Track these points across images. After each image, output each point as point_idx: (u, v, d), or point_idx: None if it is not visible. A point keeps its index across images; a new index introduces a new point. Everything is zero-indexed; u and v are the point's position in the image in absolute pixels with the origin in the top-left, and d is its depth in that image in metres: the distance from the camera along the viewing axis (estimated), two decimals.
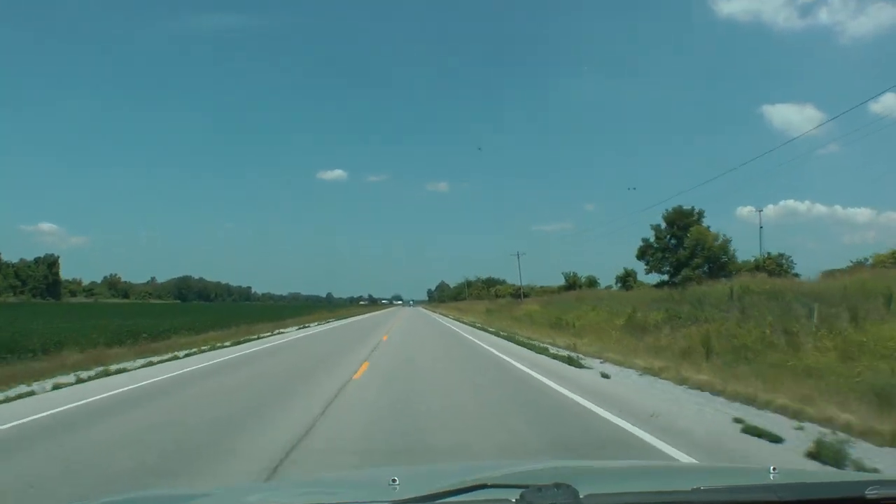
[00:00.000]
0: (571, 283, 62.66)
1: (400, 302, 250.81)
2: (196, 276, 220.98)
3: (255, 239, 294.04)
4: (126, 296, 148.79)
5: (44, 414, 8.48)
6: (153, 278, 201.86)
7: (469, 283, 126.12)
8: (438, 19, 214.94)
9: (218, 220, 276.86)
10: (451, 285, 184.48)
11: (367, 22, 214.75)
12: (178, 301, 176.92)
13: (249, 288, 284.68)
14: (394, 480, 2.03)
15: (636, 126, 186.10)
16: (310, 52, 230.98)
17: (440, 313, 75.42)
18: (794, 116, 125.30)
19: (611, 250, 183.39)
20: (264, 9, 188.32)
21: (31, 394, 10.40)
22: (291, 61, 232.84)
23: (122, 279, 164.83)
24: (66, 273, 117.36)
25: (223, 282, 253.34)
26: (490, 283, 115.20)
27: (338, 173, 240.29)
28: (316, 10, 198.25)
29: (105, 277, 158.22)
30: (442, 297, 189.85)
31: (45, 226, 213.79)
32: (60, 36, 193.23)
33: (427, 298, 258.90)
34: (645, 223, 60.68)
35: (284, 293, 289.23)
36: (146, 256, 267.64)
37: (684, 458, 5.88)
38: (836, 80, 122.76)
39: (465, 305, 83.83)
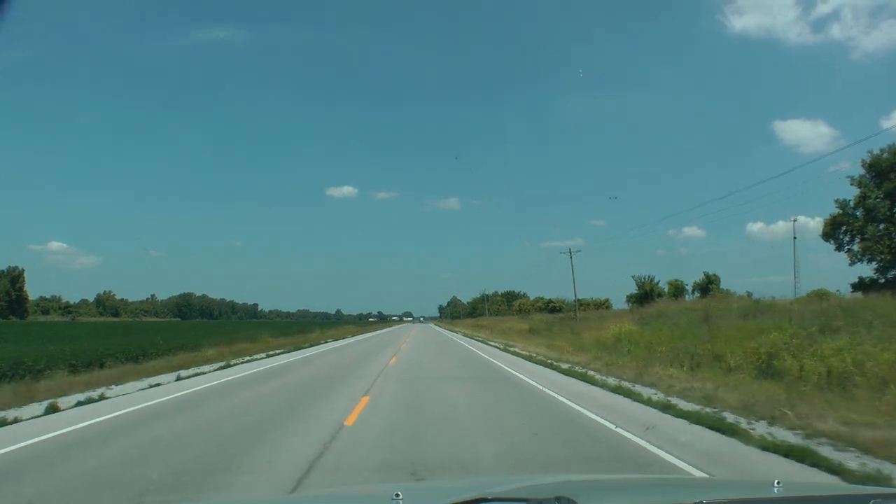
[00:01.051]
0: (646, 292, 49.36)
1: (410, 319, 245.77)
2: (199, 294, 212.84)
3: (263, 256, 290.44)
4: (116, 314, 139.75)
5: None
6: (153, 295, 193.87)
7: (486, 298, 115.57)
8: (450, 37, 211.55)
9: (226, 238, 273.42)
10: (464, 301, 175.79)
11: (379, 38, 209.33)
12: (178, 319, 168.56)
13: (256, 305, 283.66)
14: (397, 495, 2.05)
15: (646, 142, 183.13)
16: (320, 68, 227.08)
17: (461, 333, 61.88)
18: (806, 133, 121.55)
19: (619, 263, 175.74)
20: (275, 25, 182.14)
21: None
22: (302, 77, 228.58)
23: (118, 296, 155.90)
24: (65, 291, 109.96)
25: (228, 299, 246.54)
26: (510, 296, 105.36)
27: (347, 189, 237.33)
28: (328, 27, 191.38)
29: (98, 295, 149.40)
30: (455, 313, 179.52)
31: (55, 244, 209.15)
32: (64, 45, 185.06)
33: (438, 315, 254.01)
34: (651, 238, 49.63)
35: (293, 310, 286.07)
36: (152, 274, 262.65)
37: None
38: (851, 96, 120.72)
39: (490, 323, 71.27)
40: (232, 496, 5.52)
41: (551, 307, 64.58)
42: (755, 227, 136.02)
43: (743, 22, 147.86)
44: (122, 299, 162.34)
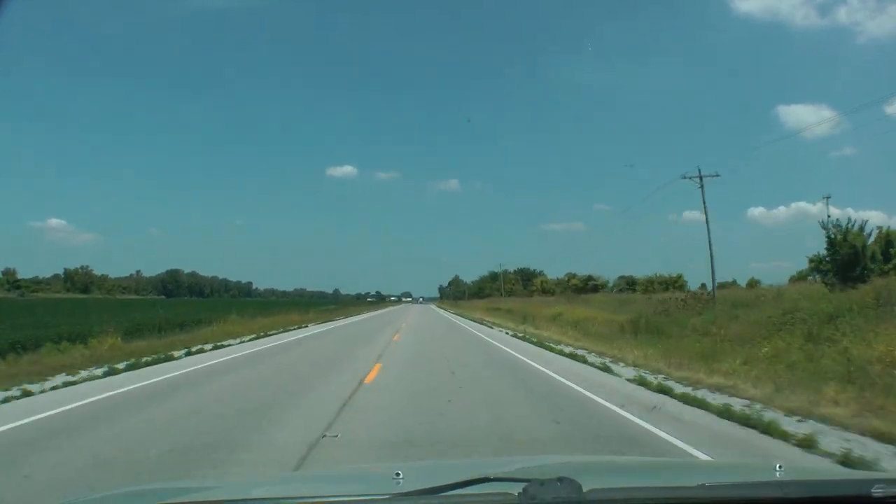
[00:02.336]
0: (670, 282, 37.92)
1: (409, 299, 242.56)
2: (188, 270, 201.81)
3: (261, 234, 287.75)
4: (86, 290, 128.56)
5: None
6: (138, 271, 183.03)
7: (495, 276, 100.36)
8: (451, 17, 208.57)
9: (226, 216, 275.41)
10: (467, 280, 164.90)
11: (380, 18, 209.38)
12: (162, 297, 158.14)
13: (250, 283, 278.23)
14: (398, 474, 2.05)
15: (648, 124, 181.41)
16: (322, 46, 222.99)
17: (473, 319, 45.28)
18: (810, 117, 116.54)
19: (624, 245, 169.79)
20: (277, 4, 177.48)
21: None
22: (303, 56, 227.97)
23: (98, 272, 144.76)
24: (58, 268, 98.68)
25: (220, 276, 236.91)
26: (526, 274, 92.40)
27: (347, 169, 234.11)
28: (328, 6, 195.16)
29: (66, 270, 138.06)
30: (457, 293, 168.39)
31: (54, 221, 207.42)
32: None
33: (438, 296, 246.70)
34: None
35: (290, 289, 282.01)
36: (149, 252, 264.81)
37: None
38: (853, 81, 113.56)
39: (515, 305, 49.30)
40: None
41: (592, 285, 52.93)
42: (756, 211, 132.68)
43: (748, 5, 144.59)
44: (103, 275, 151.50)
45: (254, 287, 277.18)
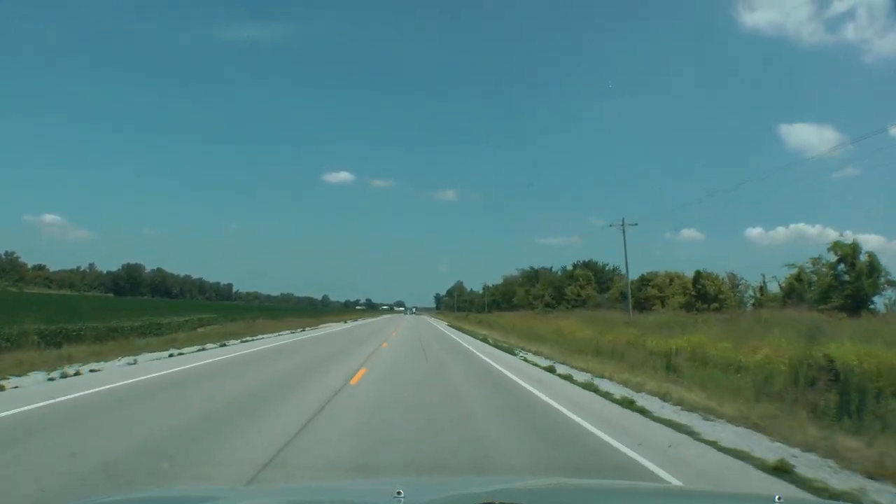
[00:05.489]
0: None
1: (402, 309, 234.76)
2: (152, 267, 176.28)
3: (250, 236, 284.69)
4: None
5: None
6: (91, 265, 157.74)
7: (528, 276, 73.38)
8: (451, 27, 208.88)
9: (217, 217, 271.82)
10: (473, 287, 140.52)
11: (382, 28, 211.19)
12: (111, 294, 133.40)
13: (230, 285, 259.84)
14: (399, 493, 1.99)
15: (647, 142, 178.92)
16: (320, 54, 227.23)
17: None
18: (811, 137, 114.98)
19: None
20: (274, 10, 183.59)
21: None
22: (301, 63, 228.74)
23: (25, 260, 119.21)
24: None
25: (195, 276, 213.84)
26: (599, 273, 63.32)
27: (343, 175, 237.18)
28: (327, 13, 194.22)
29: None
30: (462, 304, 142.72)
31: (49, 217, 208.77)
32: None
33: (435, 306, 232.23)
34: None
35: (275, 293, 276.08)
36: (136, 251, 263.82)
37: None
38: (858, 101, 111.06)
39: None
40: None
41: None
42: (754, 231, 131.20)
43: (754, 18, 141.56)
44: (38, 266, 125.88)
45: (235, 290, 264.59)
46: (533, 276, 73.42)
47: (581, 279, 60.16)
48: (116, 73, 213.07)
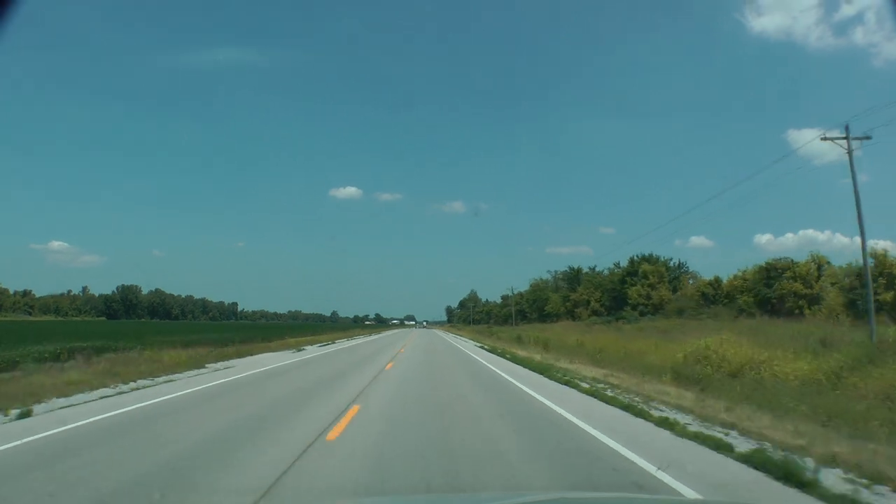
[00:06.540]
0: None
1: (413, 323, 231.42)
2: (151, 288, 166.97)
3: (256, 254, 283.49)
4: None
5: None
6: (85, 288, 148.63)
7: (567, 278, 60.31)
8: (457, 44, 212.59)
9: (224, 236, 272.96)
10: (487, 298, 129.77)
11: (388, 44, 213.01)
12: (103, 318, 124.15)
13: (235, 304, 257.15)
14: None
15: (654, 148, 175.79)
16: (326, 71, 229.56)
17: None
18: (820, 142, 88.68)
19: None
20: (281, 28, 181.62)
21: None
22: (308, 79, 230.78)
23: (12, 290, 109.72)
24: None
25: (198, 296, 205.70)
26: (671, 271, 49.58)
27: (351, 190, 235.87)
28: (333, 30, 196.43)
29: None
30: (478, 316, 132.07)
31: (56, 244, 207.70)
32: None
33: (447, 319, 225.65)
34: None
35: (283, 311, 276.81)
36: (144, 272, 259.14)
37: None
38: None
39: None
40: None
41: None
42: (763, 238, 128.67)
43: (762, 23, 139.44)
44: (24, 290, 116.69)
45: (240, 309, 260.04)
46: (572, 278, 60.98)
47: (650, 276, 46.25)
48: (121, 92, 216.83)
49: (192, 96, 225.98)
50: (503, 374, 16.50)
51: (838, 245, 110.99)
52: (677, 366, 13.44)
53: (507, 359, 23.20)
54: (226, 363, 19.23)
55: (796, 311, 28.15)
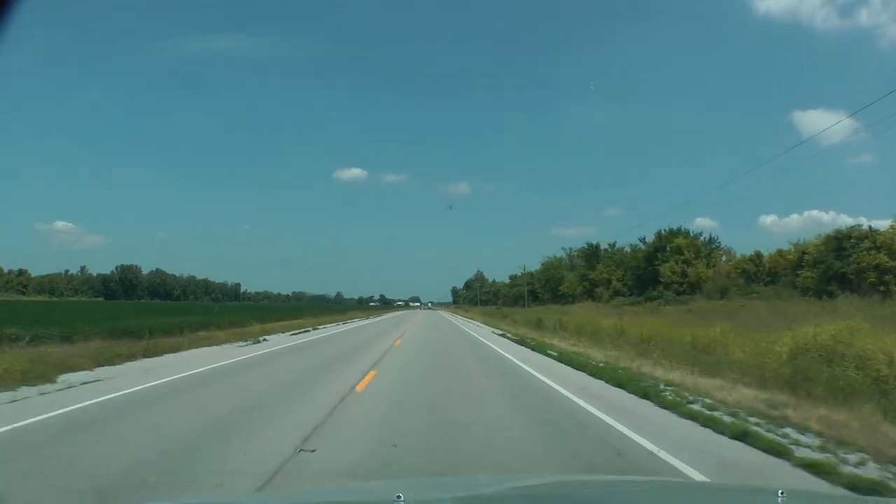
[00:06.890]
0: None
1: (417, 304, 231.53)
2: (151, 268, 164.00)
3: (260, 235, 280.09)
4: None
5: None
6: (83, 267, 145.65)
7: (585, 255, 54.77)
8: (462, 24, 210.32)
9: (229, 218, 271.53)
10: (495, 278, 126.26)
11: (390, 24, 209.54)
12: (101, 299, 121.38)
13: (238, 285, 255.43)
14: (399, 497, 1.96)
15: (655, 134, 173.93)
16: (333, 52, 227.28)
17: None
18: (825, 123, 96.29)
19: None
20: (288, 10, 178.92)
21: None
22: (314, 61, 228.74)
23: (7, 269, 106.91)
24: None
25: (200, 277, 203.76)
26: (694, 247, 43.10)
27: (356, 172, 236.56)
28: (338, 12, 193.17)
29: None
30: (485, 297, 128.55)
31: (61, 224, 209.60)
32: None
33: (452, 300, 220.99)
34: None
35: (288, 292, 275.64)
36: (149, 254, 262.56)
37: None
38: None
39: None
40: None
41: None
42: (768, 219, 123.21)
43: (766, 6, 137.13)
44: (19, 271, 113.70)
45: (243, 290, 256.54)
46: (590, 256, 55.67)
47: (686, 251, 40.50)
48: (126, 75, 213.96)
49: (197, 78, 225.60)
50: (596, 413, 8.39)
51: (843, 225, 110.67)
52: (782, 367, 9.39)
53: (553, 357, 16.35)
54: (100, 371, 11.99)
55: (881, 288, 24.19)
